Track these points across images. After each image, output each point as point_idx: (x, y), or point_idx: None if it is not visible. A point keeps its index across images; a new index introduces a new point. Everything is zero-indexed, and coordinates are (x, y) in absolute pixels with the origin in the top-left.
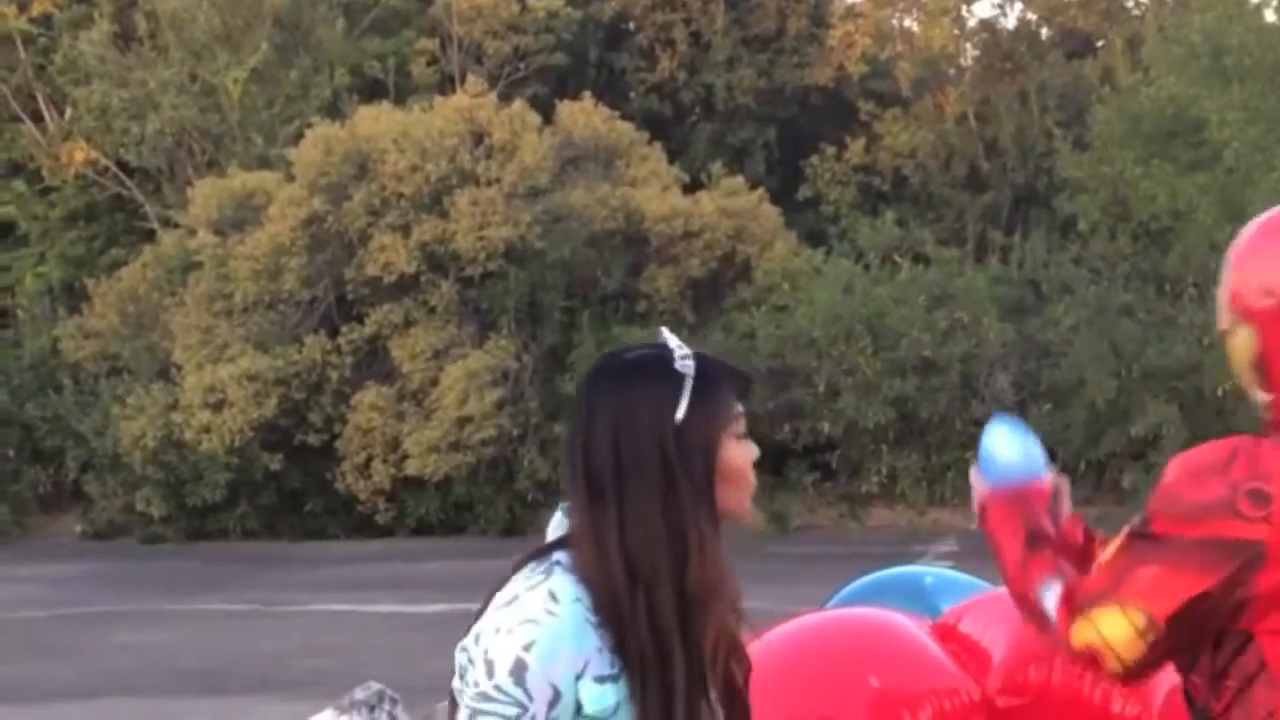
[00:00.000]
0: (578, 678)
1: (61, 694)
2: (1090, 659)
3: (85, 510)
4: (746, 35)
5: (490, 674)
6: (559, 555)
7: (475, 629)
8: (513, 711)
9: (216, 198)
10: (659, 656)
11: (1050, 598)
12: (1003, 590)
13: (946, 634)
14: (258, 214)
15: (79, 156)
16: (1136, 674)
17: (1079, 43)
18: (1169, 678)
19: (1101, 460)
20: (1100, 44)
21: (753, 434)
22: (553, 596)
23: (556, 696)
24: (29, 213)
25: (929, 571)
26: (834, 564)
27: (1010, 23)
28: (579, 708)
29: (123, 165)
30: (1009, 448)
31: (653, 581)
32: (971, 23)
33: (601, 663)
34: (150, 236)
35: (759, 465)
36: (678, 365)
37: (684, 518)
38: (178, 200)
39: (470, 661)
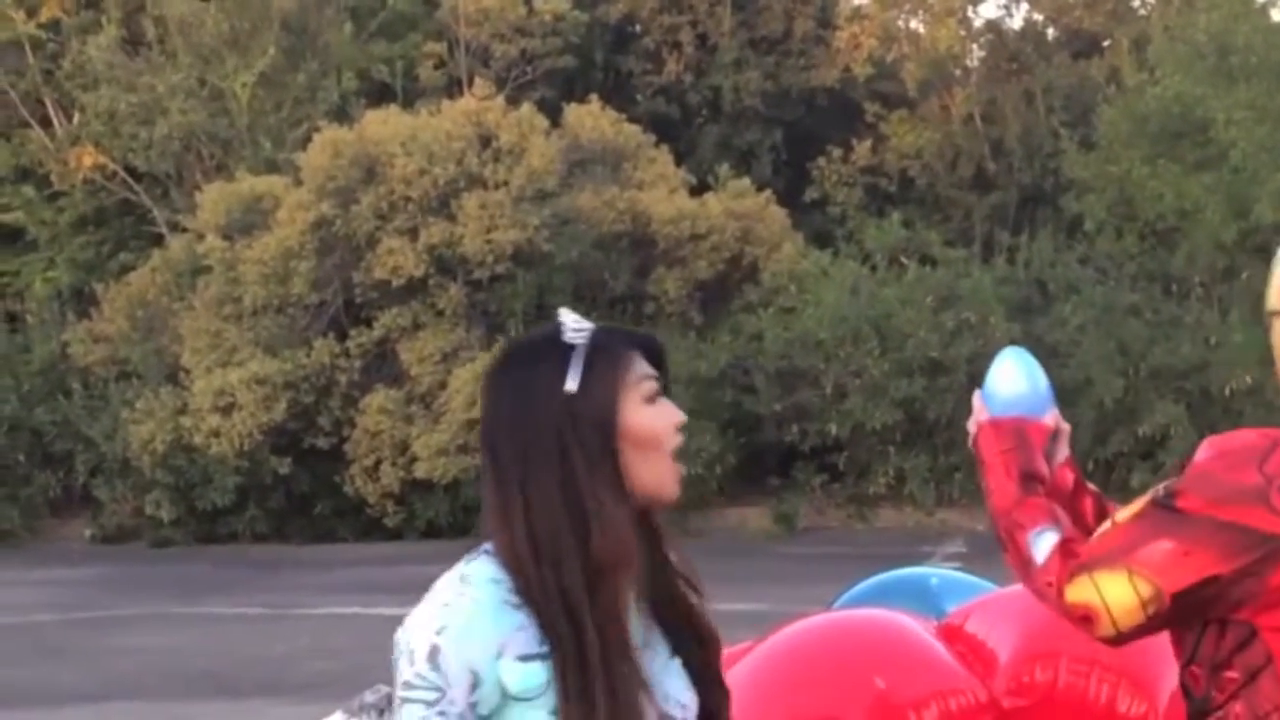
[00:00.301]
0: (497, 658)
1: (71, 697)
2: (1082, 617)
3: (95, 514)
4: (753, 37)
5: (411, 662)
6: (488, 543)
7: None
8: (431, 696)
9: (225, 202)
10: (573, 632)
11: (1043, 545)
12: (1008, 591)
13: (952, 635)
14: (266, 218)
15: (87, 161)
16: (1124, 641)
17: (1085, 43)
18: (1174, 677)
19: (1109, 460)
20: (1106, 44)
21: (760, 435)
22: (464, 580)
23: (476, 678)
24: (38, 218)
25: (934, 572)
26: (841, 565)
27: (1016, 23)
28: (505, 690)
29: (131, 170)
30: (1017, 379)
31: (557, 557)
32: (977, 24)
33: (524, 641)
34: (159, 241)
35: (768, 467)
36: (567, 338)
37: (580, 489)
38: (186, 205)
39: (398, 654)
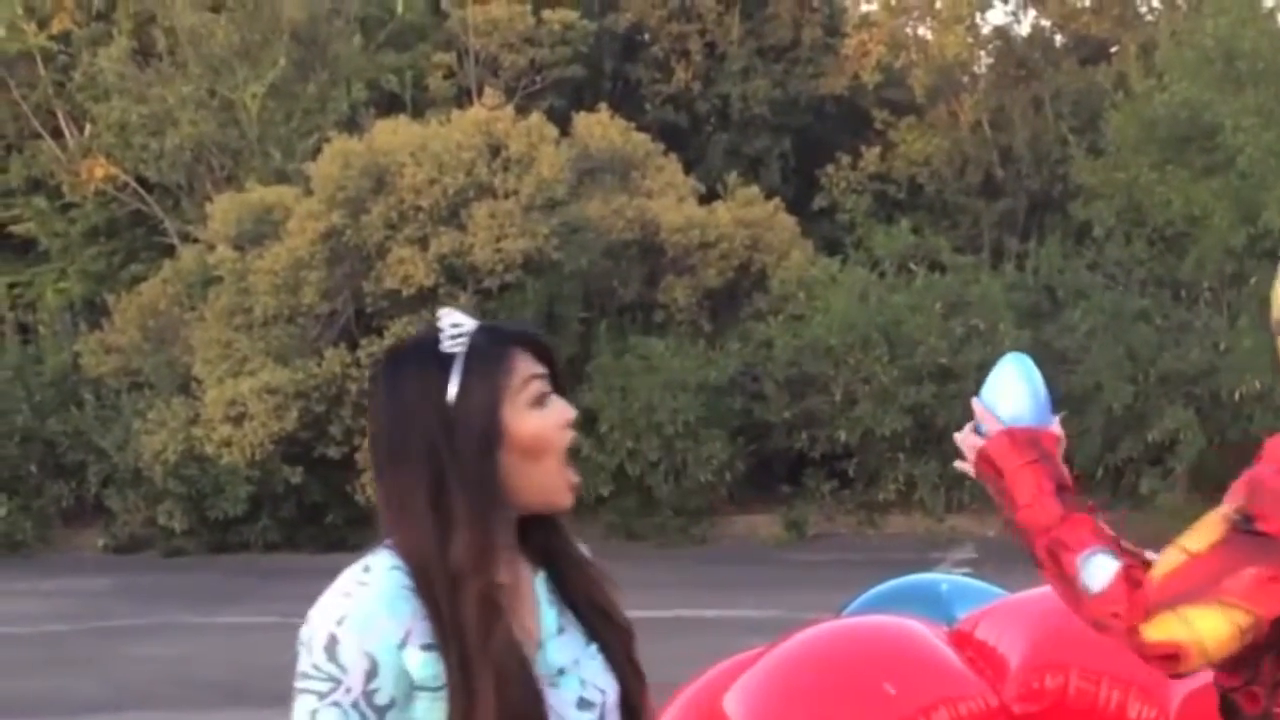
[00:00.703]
0: (400, 646)
1: (85, 707)
2: (1165, 656)
3: (107, 524)
4: (761, 45)
5: (309, 653)
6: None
7: None
8: (324, 687)
9: (235, 212)
10: (454, 630)
11: (1098, 572)
12: (1019, 597)
13: (962, 641)
14: (276, 228)
15: (99, 173)
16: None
17: (1093, 49)
18: (1186, 681)
19: (1119, 465)
20: (1114, 50)
21: (770, 442)
22: (366, 569)
23: (374, 667)
24: (50, 229)
25: (945, 578)
26: (851, 571)
27: (1024, 30)
28: (410, 678)
29: (142, 181)
30: (1022, 387)
31: (425, 564)
32: (985, 30)
33: (425, 630)
34: (170, 251)
35: (778, 474)
36: (444, 346)
37: (449, 499)
38: (197, 215)
39: (298, 646)
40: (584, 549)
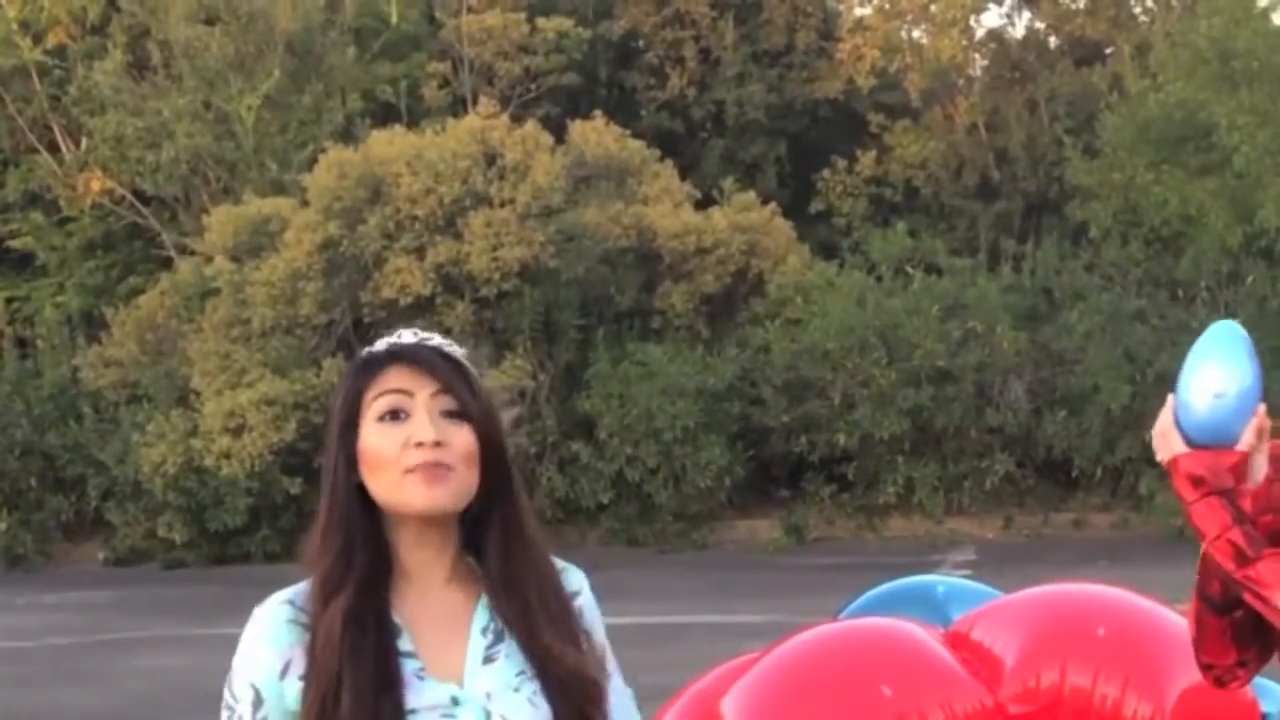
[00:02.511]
0: (280, 677)
1: None
2: None
3: (108, 537)
4: (756, 51)
5: (226, 685)
6: None
7: None
8: (225, 715)
9: (232, 224)
10: (317, 650)
11: None
12: (1014, 597)
13: (958, 642)
14: (273, 239)
15: (95, 186)
16: None
17: (1087, 51)
18: (1180, 679)
19: (1118, 466)
20: (1109, 51)
21: (769, 447)
22: (262, 603)
23: (258, 697)
24: (47, 243)
25: (941, 580)
26: (852, 575)
27: (1019, 32)
28: (291, 710)
29: (139, 194)
30: (1216, 387)
31: (315, 575)
32: (980, 33)
33: (304, 661)
34: (167, 264)
35: (777, 478)
36: (361, 353)
37: (322, 510)
38: (194, 227)
39: None
40: (567, 577)
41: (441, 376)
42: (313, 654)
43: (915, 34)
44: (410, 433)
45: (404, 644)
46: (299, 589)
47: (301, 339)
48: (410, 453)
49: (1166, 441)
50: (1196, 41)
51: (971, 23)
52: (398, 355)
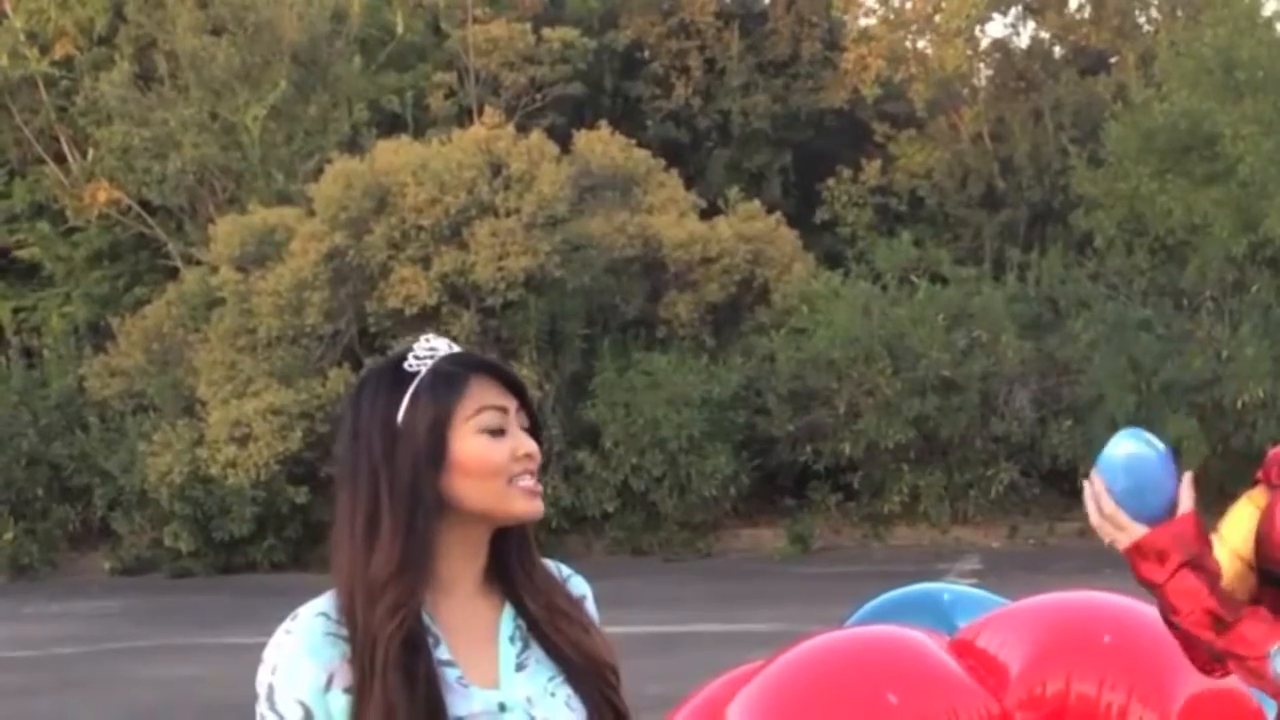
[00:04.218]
0: (325, 691)
1: None
2: None
3: (114, 547)
4: (761, 61)
5: (259, 702)
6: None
7: None
8: None
9: (238, 234)
10: (365, 661)
11: None
12: (1020, 605)
13: (964, 650)
14: (279, 249)
15: (102, 197)
16: None
17: (1092, 60)
18: (1186, 686)
19: None
20: (1113, 61)
21: (774, 456)
22: (293, 618)
23: (308, 713)
24: (54, 253)
25: (946, 588)
26: (857, 584)
27: (1023, 42)
28: None
29: (145, 204)
30: (1148, 472)
31: (351, 585)
32: (985, 43)
33: (348, 673)
34: (173, 274)
35: (783, 487)
36: (408, 366)
37: (380, 519)
38: (200, 237)
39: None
40: (573, 583)
41: (522, 393)
42: (364, 670)
43: (920, 44)
44: (514, 445)
45: (442, 653)
46: (329, 600)
47: (307, 349)
48: (517, 464)
49: (1118, 522)
50: (1201, 51)
51: (976, 32)
52: (487, 368)
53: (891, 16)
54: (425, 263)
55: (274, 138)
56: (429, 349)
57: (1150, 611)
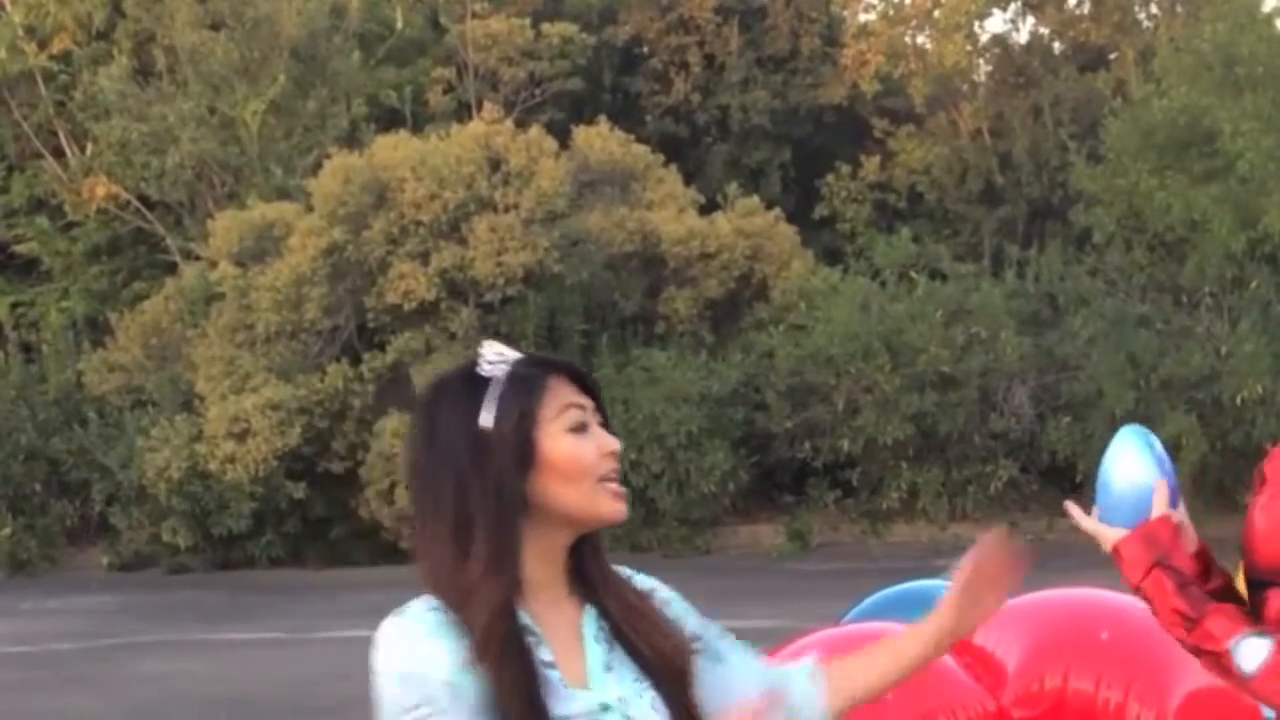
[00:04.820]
0: (465, 669)
1: None
2: None
3: (112, 542)
4: (760, 56)
5: (395, 704)
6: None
7: None
8: (425, 711)
9: (237, 229)
10: (478, 656)
11: (1250, 653)
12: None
13: (961, 647)
14: (278, 245)
15: (100, 191)
16: None
17: (1091, 56)
18: (1183, 683)
19: None
20: (1113, 57)
21: (773, 452)
22: (403, 615)
23: (454, 692)
24: (52, 248)
25: (943, 585)
26: (855, 580)
27: (1023, 38)
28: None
29: (144, 199)
30: (1132, 475)
31: (446, 590)
32: (984, 38)
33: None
34: (172, 269)
35: (781, 483)
36: (482, 370)
37: (473, 523)
38: (198, 233)
39: (380, 702)
40: (645, 582)
41: (597, 392)
42: (483, 667)
43: (919, 39)
44: (600, 442)
45: (544, 654)
46: (422, 604)
47: (306, 344)
48: (604, 462)
49: (1104, 537)
50: (1200, 47)
51: (976, 28)
52: (564, 368)
53: (891, 12)
54: (424, 258)
55: (273, 133)
56: (498, 354)
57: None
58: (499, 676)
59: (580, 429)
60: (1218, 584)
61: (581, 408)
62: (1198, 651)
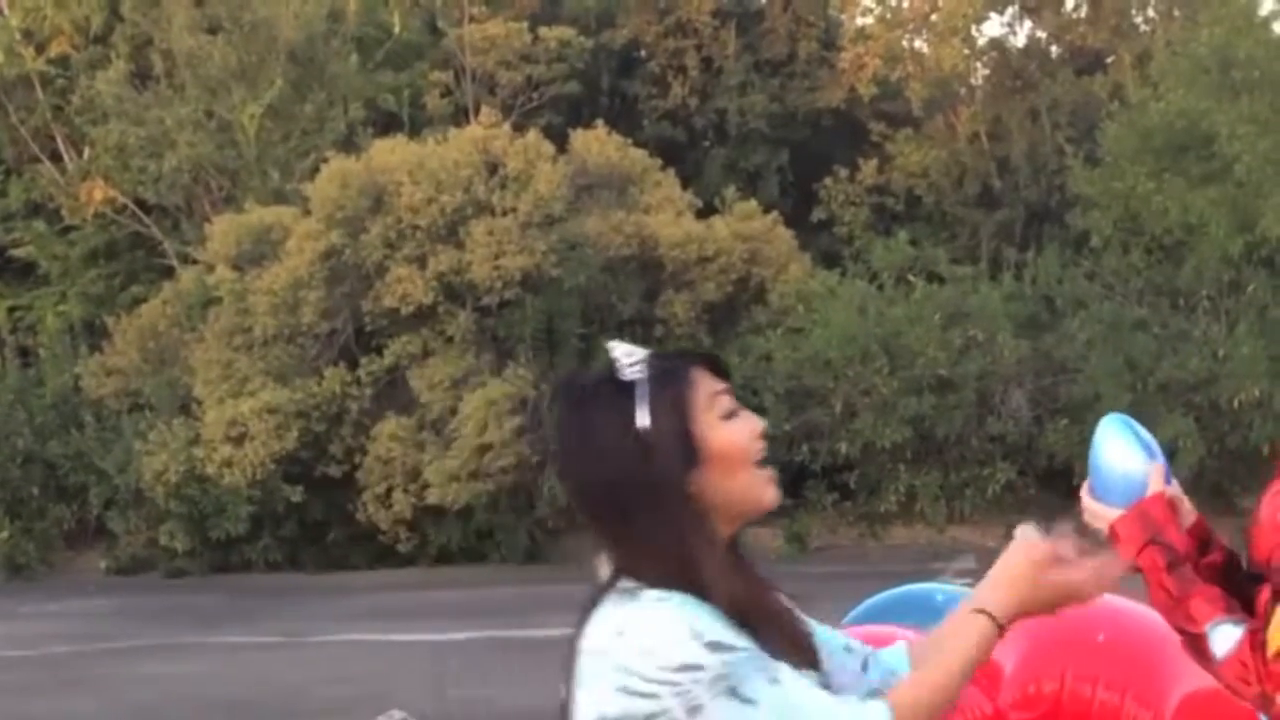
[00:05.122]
0: (735, 631)
1: None
2: None
3: (110, 546)
4: (758, 60)
5: (704, 667)
6: (624, 583)
7: (601, 685)
8: (742, 655)
9: (234, 233)
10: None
11: (1222, 640)
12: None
13: None
14: (275, 248)
15: (98, 195)
16: None
17: (1089, 59)
18: (1180, 686)
19: None
20: (1110, 60)
21: (771, 455)
22: (657, 600)
23: (731, 648)
24: (49, 252)
25: (940, 588)
26: (854, 583)
27: (1020, 41)
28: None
29: (141, 203)
30: (1122, 458)
31: (671, 583)
32: (981, 42)
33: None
34: (169, 273)
35: (779, 486)
36: (625, 375)
37: (674, 527)
38: (196, 236)
39: (665, 691)
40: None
41: (723, 373)
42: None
43: (917, 43)
44: (750, 425)
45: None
46: (654, 594)
47: (303, 348)
48: (756, 444)
49: (1100, 517)
50: (1197, 51)
51: (973, 32)
52: (700, 358)
53: (888, 16)
54: (421, 262)
55: (270, 136)
56: (629, 353)
57: (1145, 611)
58: (769, 633)
59: (730, 415)
60: (1216, 558)
61: (727, 393)
62: (1180, 631)
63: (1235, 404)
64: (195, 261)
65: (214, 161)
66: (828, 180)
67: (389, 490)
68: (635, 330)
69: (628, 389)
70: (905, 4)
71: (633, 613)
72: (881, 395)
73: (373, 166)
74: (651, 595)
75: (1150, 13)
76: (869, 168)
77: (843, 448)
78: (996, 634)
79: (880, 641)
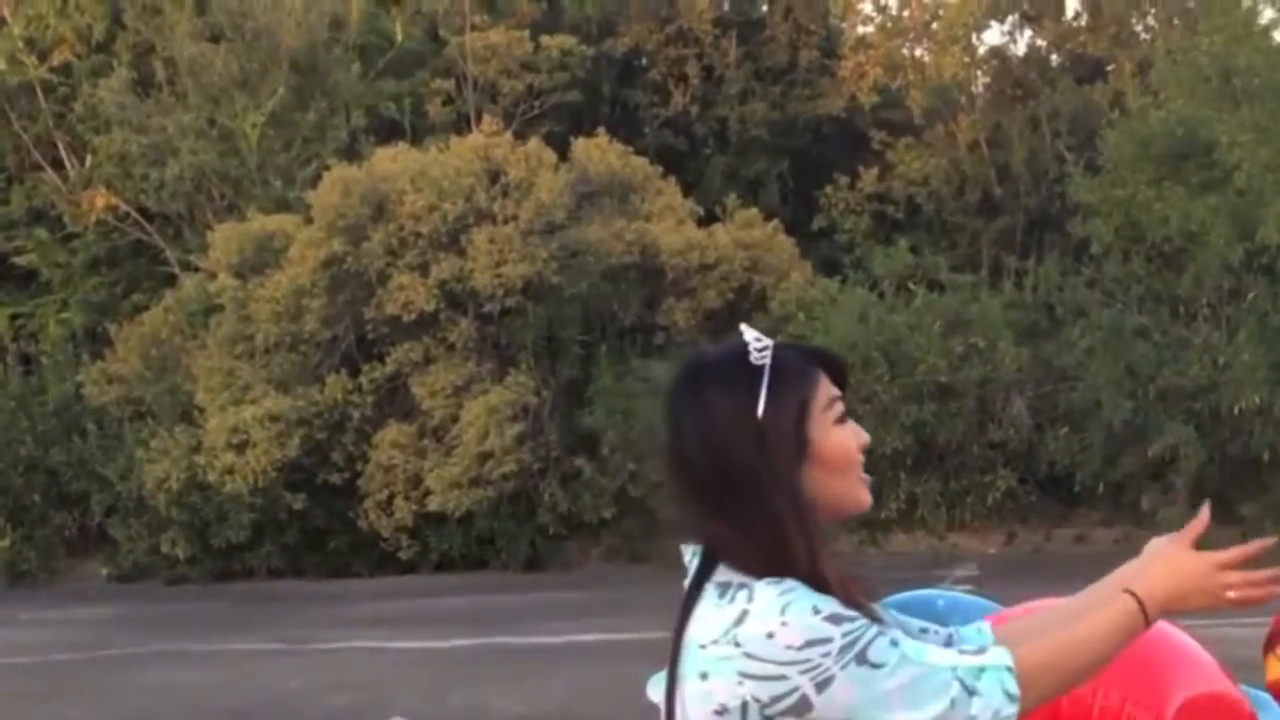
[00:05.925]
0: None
1: None
2: None
3: (111, 553)
4: (758, 68)
5: (829, 639)
6: (726, 573)
7: (728, 672)
8: (858, 627)
9: (236, 241)
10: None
11: None
12: (1013, 610)
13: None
14: (277, 256)
15: (100, 203)
16: None
17: (1089, 68)
18: (1180, 692)
19: (1119, 481)
20: (1110, 69)
21: None
22: (775, 585)
23: (852, 618)
24: (51, 260)
25: (940, 594)
26: None
27: (1020, 50)
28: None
29: (143, 211)
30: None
31: (787, 572)
32: (982, 50)
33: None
34: (171, 281)
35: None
36: (754, 359)
37: (776, 512)
38: (198, 244)
39: (798, 660)
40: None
41: (841, 379)
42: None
43: (917, 51)
44: (858, 434)
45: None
46: (772, 586)
47: (305, 355)
48: (860, 454)
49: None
50: (1197, 59)
51: (973, 40)
52: (826, 359)
53: (889, 24)
54: (423, 269)
55: (272, 144)
56: (758, 338)
57: None
58: (869, 615)
59: (843, 420)
60: None
61: (842, 400)
62: None
63: (1236, 411)
64: (197, 269)
65: (216, 169)
66: (828, 188)
67: (390, 497)
68: (636, 337)
69: (756, 374)
70: (906, 13)
71: (749, 600)
72: (882, 402)
73: (374, 174)
74: (763, 582)
75: (1150, 21)
76: (869, 176)
77: None
78: (1140, 618)
79: None
